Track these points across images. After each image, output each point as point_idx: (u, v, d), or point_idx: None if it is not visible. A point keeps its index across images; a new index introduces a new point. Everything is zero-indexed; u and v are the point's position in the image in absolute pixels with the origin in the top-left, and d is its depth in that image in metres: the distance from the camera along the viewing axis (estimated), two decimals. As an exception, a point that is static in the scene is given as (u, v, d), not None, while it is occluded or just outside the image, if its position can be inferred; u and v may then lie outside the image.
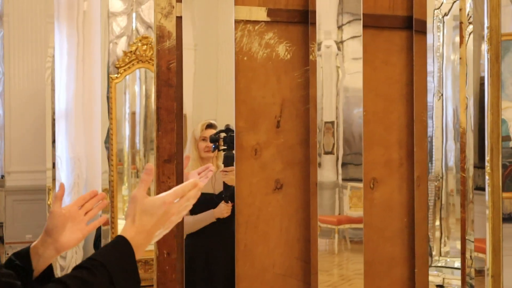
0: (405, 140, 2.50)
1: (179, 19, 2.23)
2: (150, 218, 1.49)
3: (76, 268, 1.42)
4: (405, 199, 2.50)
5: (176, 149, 2.23)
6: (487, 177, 2.64)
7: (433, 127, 2.66)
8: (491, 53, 2.71)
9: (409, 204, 2.50)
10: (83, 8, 3.09)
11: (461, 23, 2.52)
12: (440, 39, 2.49)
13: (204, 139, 2.27)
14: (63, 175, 3.11)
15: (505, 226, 2.58)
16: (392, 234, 2.48)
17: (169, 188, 2.24)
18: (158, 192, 2.22)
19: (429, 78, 2.47)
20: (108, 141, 3.51)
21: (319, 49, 2.30)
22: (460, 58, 2.51)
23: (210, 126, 2.26)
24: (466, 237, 2.54)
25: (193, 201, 1.54)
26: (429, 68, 2.50)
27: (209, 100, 2.25)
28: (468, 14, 2.59)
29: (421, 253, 2.46)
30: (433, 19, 2.48)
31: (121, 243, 1.47)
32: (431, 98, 2.53)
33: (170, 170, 2.23)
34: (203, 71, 2.23)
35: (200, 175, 2.23)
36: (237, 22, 2.31)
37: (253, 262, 2.34)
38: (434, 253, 2.70)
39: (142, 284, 1.50)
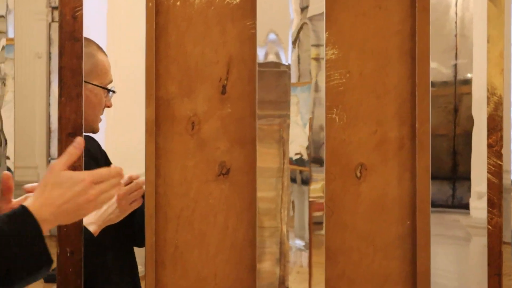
0: (408, 113, 1.81)
1: (89, -46, 1.75)
2: (63, 192, 1.32)
3: None
4: (406, 194, 1.80)
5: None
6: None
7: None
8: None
9: (413, 202, 1.80)
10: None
11: None
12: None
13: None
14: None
15: None
16: (387, 242, 1.80)
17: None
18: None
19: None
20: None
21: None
22: (494, -1, 1.77)
23: None
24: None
25: (117, 191, 1.38)
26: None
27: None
28: None
29: (423, 270, 1.75)
30: None
31: (21, 213, 1.28)
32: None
33: (75, 147, 1.74)
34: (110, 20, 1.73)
35: None
36: (167, -44, 1.78)
37: (186, 271, 1.78)
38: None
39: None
